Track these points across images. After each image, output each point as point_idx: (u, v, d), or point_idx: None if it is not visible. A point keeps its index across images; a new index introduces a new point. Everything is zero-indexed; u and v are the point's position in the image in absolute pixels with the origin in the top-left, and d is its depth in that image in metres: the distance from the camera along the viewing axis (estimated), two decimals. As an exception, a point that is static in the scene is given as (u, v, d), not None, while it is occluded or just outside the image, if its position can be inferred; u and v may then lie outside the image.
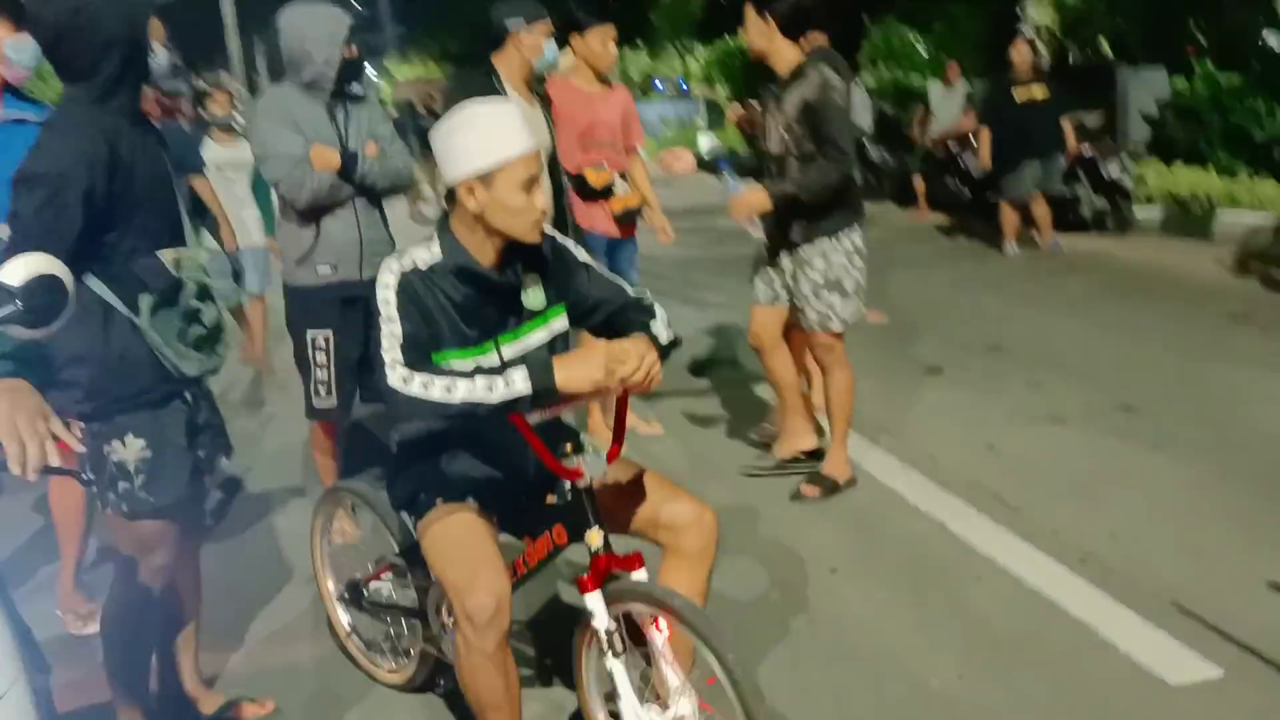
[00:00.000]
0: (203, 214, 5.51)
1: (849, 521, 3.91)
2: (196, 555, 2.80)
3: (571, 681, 2.45)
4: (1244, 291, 7.16)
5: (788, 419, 4.36)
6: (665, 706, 2.18)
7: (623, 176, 4.64)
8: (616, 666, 2.18)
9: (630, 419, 5.41)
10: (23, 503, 4.36)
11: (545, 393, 2.09)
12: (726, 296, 7.45)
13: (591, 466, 2.20)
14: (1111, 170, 9.58)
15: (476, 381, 2.08)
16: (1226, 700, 2.66)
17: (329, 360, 3.64)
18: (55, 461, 1.95)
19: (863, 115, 11.06)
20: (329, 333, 3.62)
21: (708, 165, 10.10)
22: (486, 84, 4.06)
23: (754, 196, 3.88)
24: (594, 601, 2.19)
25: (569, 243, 2.49)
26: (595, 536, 2.21)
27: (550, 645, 3.00)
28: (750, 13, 3.86)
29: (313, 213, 3.54)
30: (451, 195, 2.28)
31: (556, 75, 4.63)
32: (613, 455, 2.26)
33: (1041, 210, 9.16)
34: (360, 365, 3.55)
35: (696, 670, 2.16)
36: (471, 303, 2.30)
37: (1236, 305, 6.81)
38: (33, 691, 1.59)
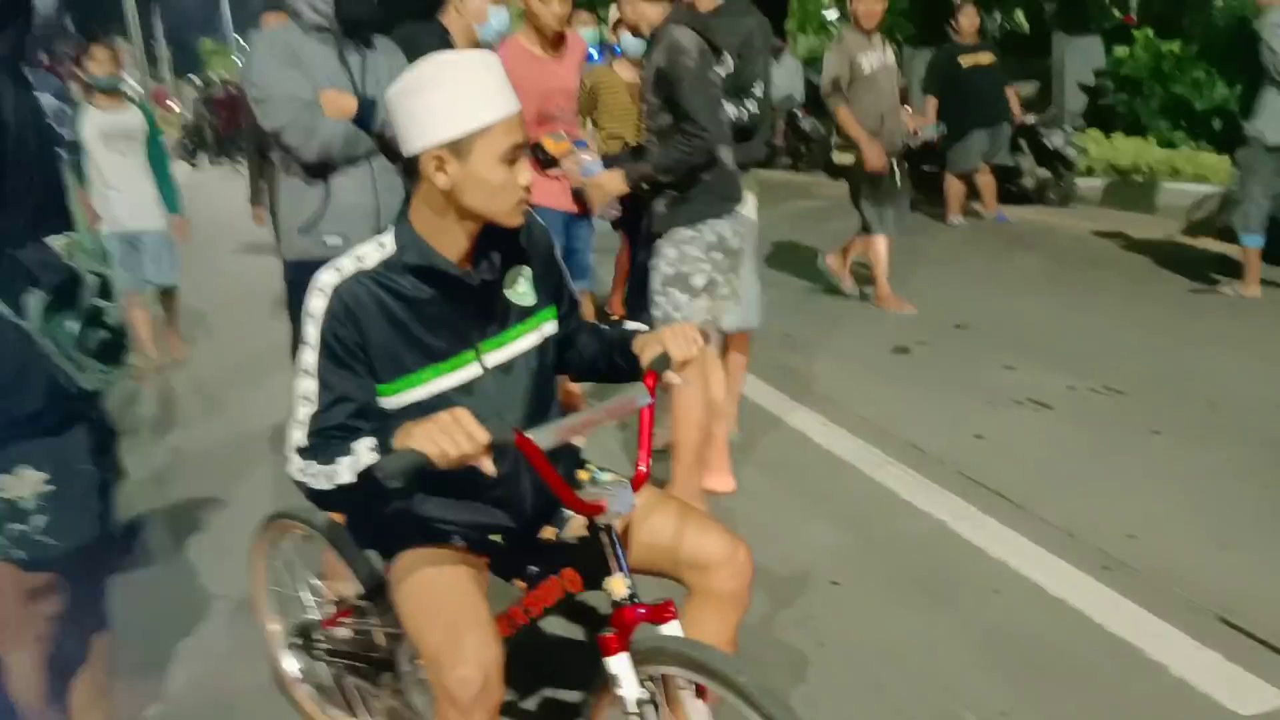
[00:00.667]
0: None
1: (842, 524, 3.57)
2: (105, 593, 2.31)
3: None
4: (1198, 265, 7.01)
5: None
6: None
7: (581, 145, 4.21)
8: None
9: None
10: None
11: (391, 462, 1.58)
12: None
13: (616, 499, 1.77)
14: (1055, 140, 9.41)
15: (343, 461, 1.69)
16: (1303, 732, 2.38)
17: None
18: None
19: (795, 84, 10.75)
20: None
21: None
22: (439, 46, 3.58)
23: (608, 178, 3.33)
24: (620, 666, 1.75)
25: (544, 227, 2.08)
26: (619, 585, 1.78)
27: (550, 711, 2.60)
28: None
29: (321, 170, 3.01)
30: (412, 169, 1.84)
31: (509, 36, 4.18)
32: (639, 483, 1.84)
33: (987, 181, 8.96)
34: None
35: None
36: (436, 305, 1.87)
37: (1194, 280, 6.66)
38: None
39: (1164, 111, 10.13)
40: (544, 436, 1.70)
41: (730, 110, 3.59)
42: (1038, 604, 2.99)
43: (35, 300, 1.83)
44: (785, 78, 10.42)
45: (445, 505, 1.99)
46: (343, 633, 2.43)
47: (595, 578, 1.82)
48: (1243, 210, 6.02)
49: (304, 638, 2.50)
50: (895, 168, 6.16)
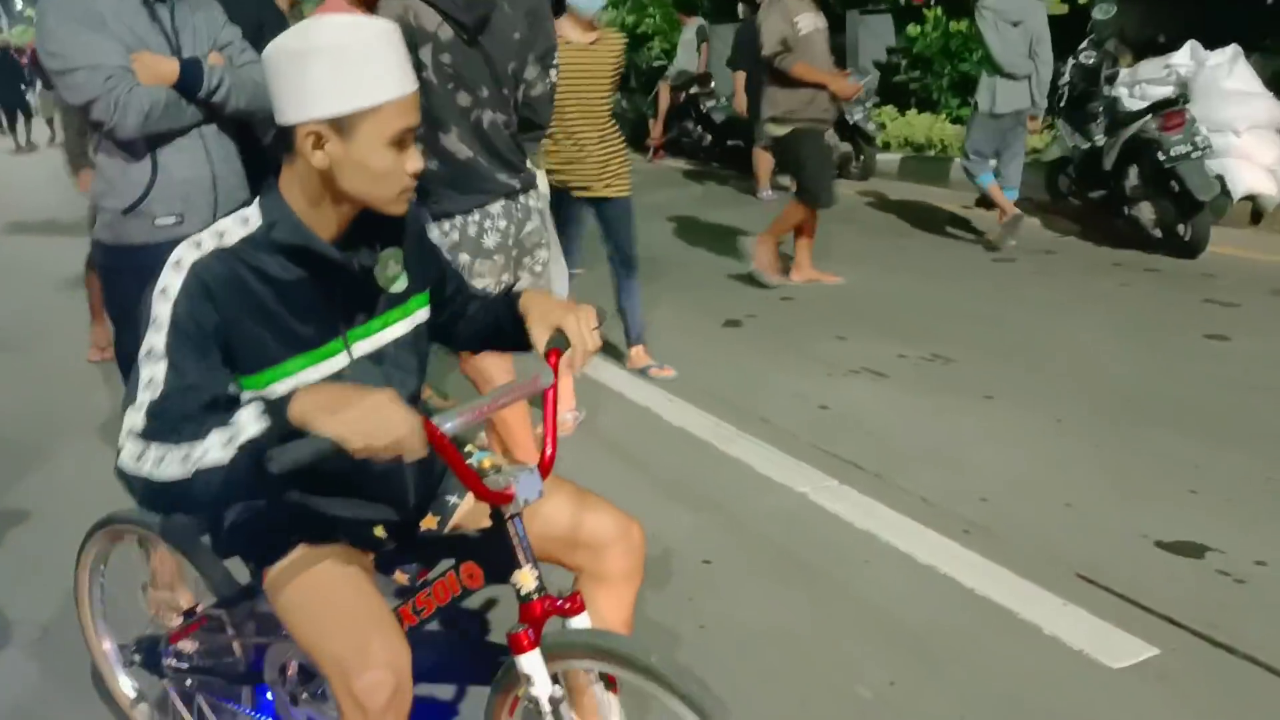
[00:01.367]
0: None
1: (702, 502, 3.50)
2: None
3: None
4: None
5: None
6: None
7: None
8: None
9: (642, 358, 4.84)
10: None
11: (280, 430, 1.43)
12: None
13: (525, 486, 1.61)
14: (855, 115, 9.70)
15: (212, 438, 1.45)
16: (1172, 681, 2.47)
17: None
18: None
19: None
20: None
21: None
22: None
23: None
24: (532, 664, 1.61)
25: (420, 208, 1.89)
26: (528, 577, 1.63)
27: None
28: None
29: (145, 144, 2.62)
30: (285, 140, 1.61)
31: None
32: (546, 467, 1.68)
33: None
34: None
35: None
36: (305, 290, 1.65)
37: (990, 248, 7.01)
38: None
39: (954, 88, 10.62)
40: (451, 422, 1.54)
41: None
42: (909, 573, 3.02)
43: None
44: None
45: (323, 499, 1.79)
46: (194, 646, 2.16)
47: (499, 571, 1.66)
48: (970, 164, 7.14)
49: (146, 654, 2.21)
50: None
